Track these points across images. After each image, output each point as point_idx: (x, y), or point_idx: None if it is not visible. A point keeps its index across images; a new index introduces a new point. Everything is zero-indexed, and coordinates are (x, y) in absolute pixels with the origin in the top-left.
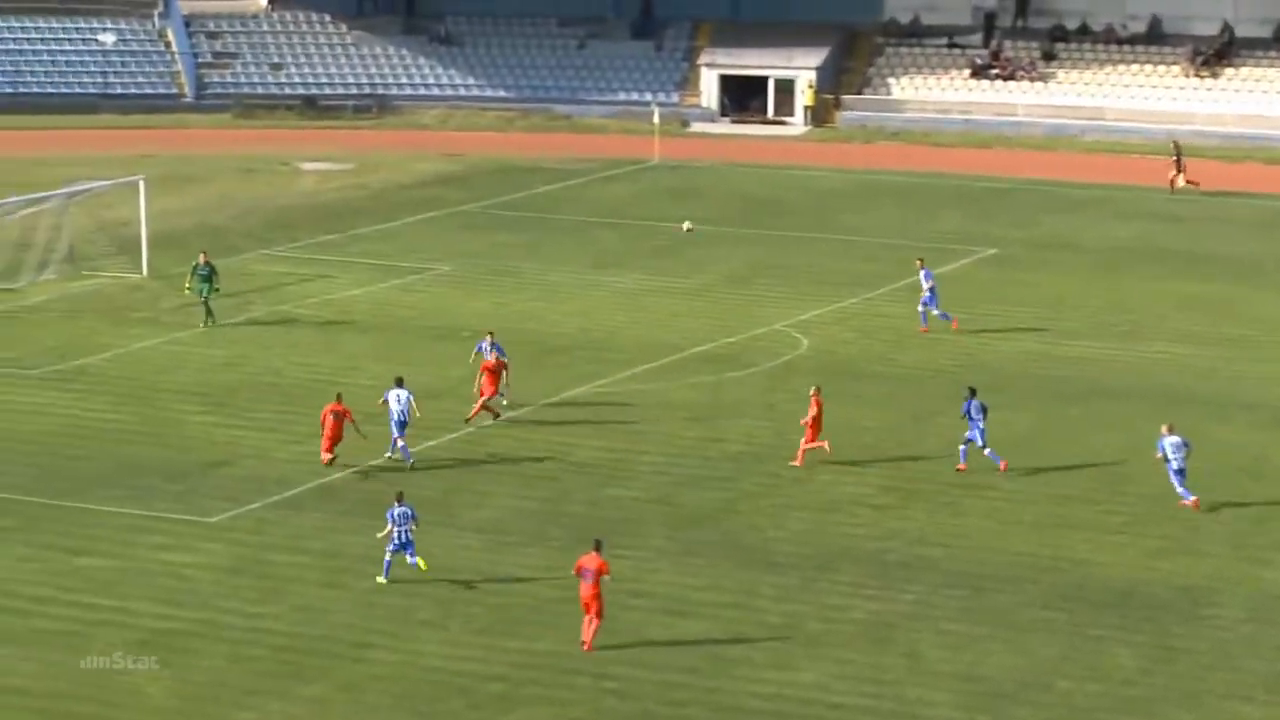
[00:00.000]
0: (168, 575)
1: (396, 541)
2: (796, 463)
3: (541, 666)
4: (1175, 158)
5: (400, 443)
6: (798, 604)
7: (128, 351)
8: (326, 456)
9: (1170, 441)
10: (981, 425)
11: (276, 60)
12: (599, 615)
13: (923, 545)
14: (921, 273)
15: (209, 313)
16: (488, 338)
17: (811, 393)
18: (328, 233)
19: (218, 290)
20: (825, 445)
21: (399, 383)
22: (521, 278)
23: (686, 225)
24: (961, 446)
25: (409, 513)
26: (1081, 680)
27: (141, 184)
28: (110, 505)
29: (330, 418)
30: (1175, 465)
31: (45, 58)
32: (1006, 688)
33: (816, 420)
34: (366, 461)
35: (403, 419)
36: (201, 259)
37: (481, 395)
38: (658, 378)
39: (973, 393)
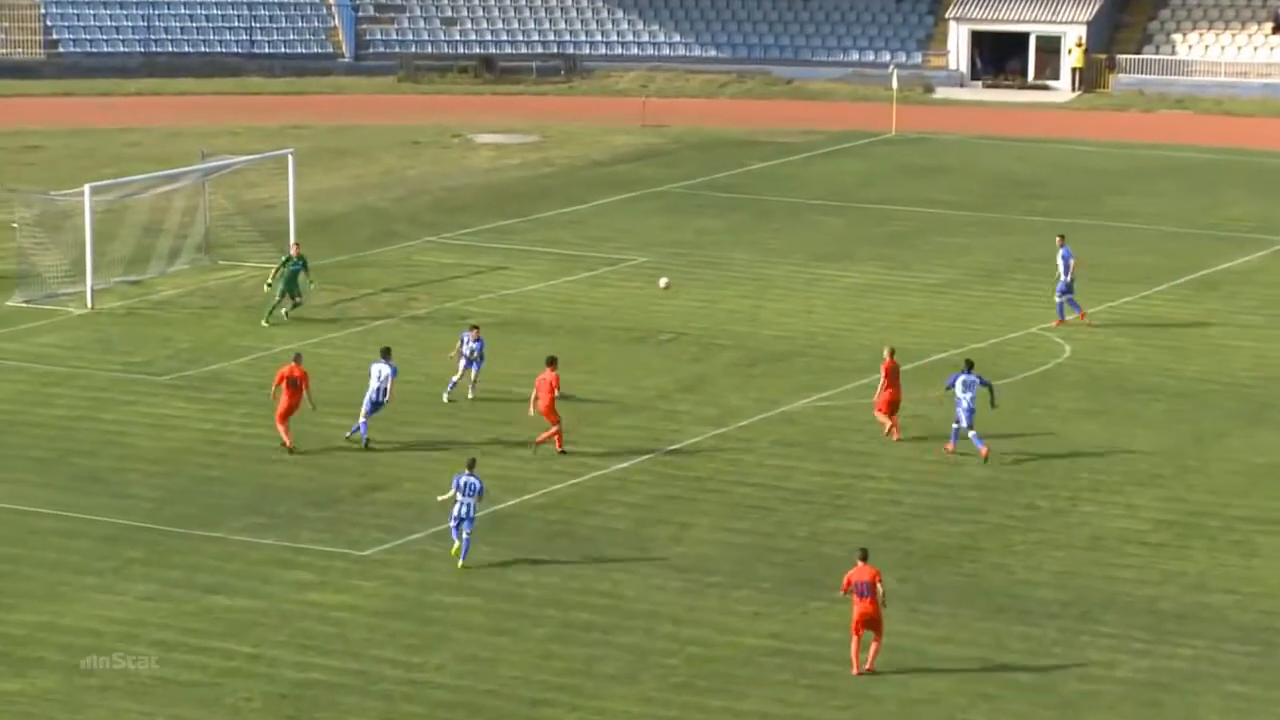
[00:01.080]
0: (313, 618)
1: (457, 515)
2: (894, 437)
3: None
4: None
5: (364, 422)
6: (1053, 659)
7: (270, 355)
8: (283, 433)
9: None
10: (970, 404)
11: (449, 14)
12: (879, 634)
13: (1204, 592)
14: (1060, 251)
15: (293, 306)
16: (472, 332)
17: (886, 353)
18: (505, 217)
19: (313, 284)
20: (894, 426)
21: (385, 355)
22: (731, 270)
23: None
24: (954, 426)
25: (475, 484)
26: None
27: (290, 159)
28: (247, 535)
29: (286, 385)
30: None
31: (182, 11)
32: None
33: (890, 388)
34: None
35: (377, 399)
36: (294, 250)
37: (546, 418)
38: None
39: (969, 366)
